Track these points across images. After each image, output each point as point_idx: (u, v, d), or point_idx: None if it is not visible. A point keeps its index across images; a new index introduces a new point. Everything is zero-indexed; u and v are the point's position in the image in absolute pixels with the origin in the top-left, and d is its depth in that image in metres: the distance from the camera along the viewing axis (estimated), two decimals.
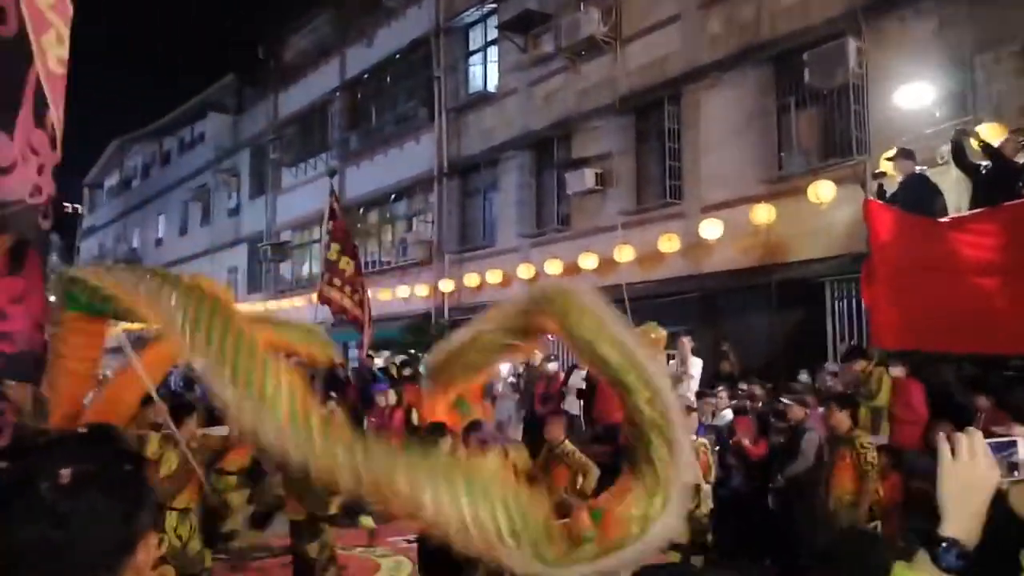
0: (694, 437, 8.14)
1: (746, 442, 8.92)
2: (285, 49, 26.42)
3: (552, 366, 12.25)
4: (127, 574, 1.21)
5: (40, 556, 1.14)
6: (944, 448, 1.49)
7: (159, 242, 34.59)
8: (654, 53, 14.48)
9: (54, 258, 50.61)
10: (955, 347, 8.33)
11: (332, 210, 12.84)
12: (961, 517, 1.44)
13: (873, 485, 6.63)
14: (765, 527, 8.59)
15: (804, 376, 10.33)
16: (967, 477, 1.45)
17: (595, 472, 7.15)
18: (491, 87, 18.41)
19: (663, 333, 9.37)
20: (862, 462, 6.64)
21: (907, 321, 8.11)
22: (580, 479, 7.12)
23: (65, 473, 1.17)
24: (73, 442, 1.36)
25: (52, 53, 3.70)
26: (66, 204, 45.46)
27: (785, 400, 9.11)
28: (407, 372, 14.75)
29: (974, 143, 8.30)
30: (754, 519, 8.75)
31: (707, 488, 8.20)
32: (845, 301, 11.36)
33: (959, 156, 8.38)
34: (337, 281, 12.48)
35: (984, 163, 8.20)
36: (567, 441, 7.50)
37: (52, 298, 4.14)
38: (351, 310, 12.54)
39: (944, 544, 1.43)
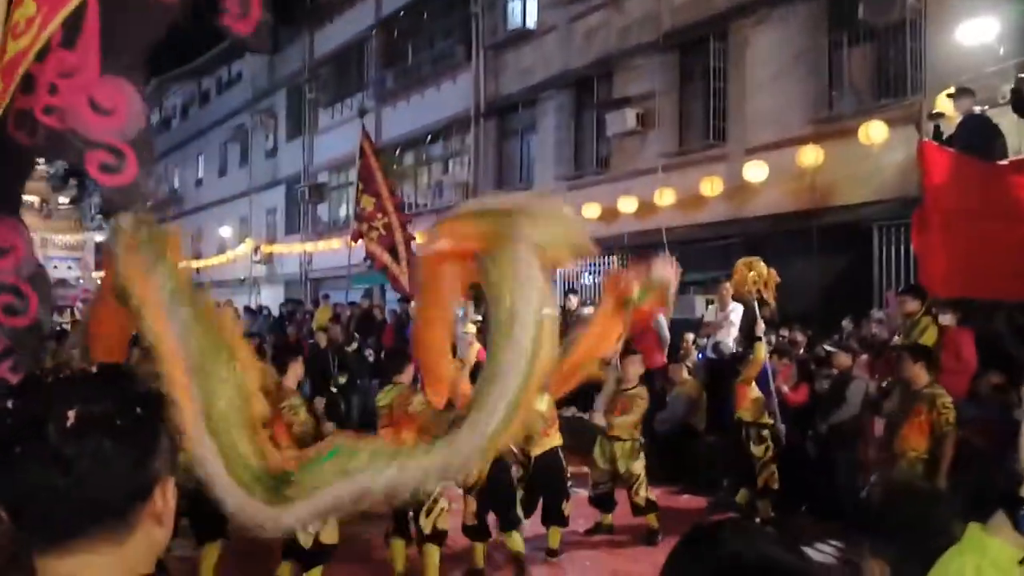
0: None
1: (785, 388, 8.77)
2: None
3: (588, 311, 12.10)
4: (144, 521, 1.18)
5: (46, 501, 1.11)
6: None
7: (199, 183, 34.79)
8: None
9: (97, 198, 51.36)
10: (1008, 295, 8.06)
11: (362, 150, 12.59)
12: None
13: (951, 449, 6.18)
14: (803, 475, 8.47)
15: (847, 324, 10.08)
16: None
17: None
18: (530, 24, 17.96)
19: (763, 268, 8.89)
20: (942, 422, 6.19)
21: (959, 268, 7.83)
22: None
23: (71, 415, 1.13)
24: (82, 382, 1.32)
25: None
26: None
27: (829, 347, 8.92)
28: None
29: None
30: (791, 466, 8.62)
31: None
32: (894, 247, 11.03)
33: (1020, 103, 7.97)
34: (365, 226, 12.29)
35: None
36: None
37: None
38: (379, 256, 12.28)
39: None
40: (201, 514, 5.51)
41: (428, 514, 6.06)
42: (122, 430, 1.15)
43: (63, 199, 32.34)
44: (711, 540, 1.15)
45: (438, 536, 6.11)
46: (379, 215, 12.20)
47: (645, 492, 7.57)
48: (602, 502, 7.80)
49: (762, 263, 8.99)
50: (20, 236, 4.14)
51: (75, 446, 1.12)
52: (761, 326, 8.63)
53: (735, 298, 10.19)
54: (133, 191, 3.87)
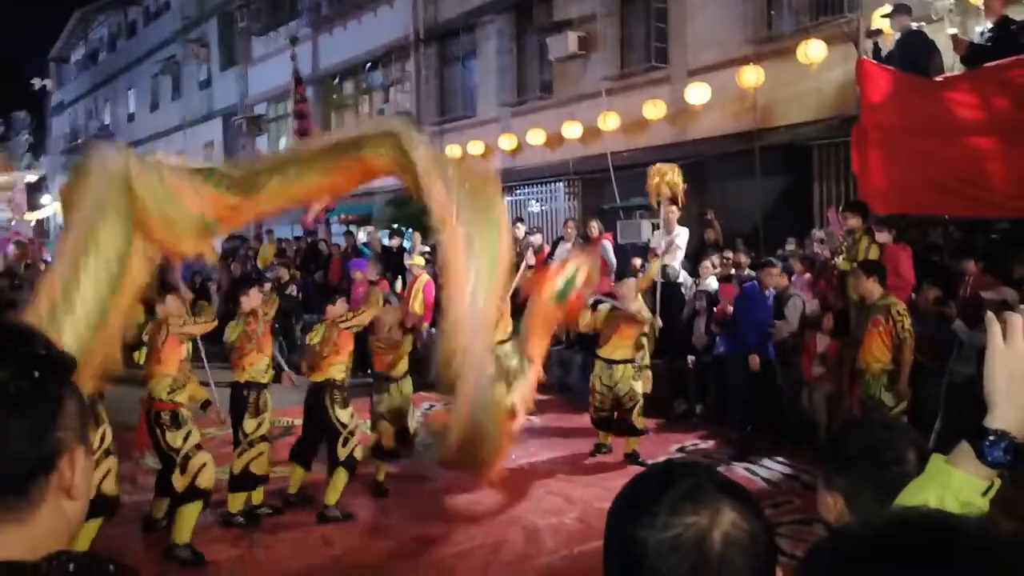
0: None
1: (729, 309, 8.91)
2: None
3: (536, 239, 12.11)
4: (51, 495, 1.07)
5: None
6: (995, 330, 1.30)
7: (131, 117, 33.64)
8: None
9: (26, 136, 49.34)
10: (945, 210, 8.27)
11: (297, 79, 12.28)
12: (1012, 408, 1.29)
13: (910, 354, 6.34)
14: (749, 393, 8.67)
15: (791, 244, 10.25)
16: (1021, 364, 1.28)
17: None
18: None
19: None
20: (899, 330, 6.32)
21: (897, 185, 7.98)
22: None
23: None
24: None
25: None
26: (33, 80, 43.95)
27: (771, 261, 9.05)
28: (393, 244, 14.63)
29: None
30: (738, 386, 8.83)
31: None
32: (833, 166, 11.17)
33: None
34: None
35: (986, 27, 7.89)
36: None
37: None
38: None
39: (991, 437, 1.28)
40: None
41: (345, 444, 6.42)
42: (16, 397, 1.04)
43: None
44: (661, 490, 1.14)
45: (351, 464, 6.46)
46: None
47: (638, 418, 7.74)
48: (604, 424, 7.99)
49: (676, 171, 9.19)
50: None
51: None
52: (676, 253, 8.94)
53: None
54: None
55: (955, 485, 1.29)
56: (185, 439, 5.81)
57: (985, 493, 1.29)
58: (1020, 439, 1.28)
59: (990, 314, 1.32)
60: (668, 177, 9.18)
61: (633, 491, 1.18)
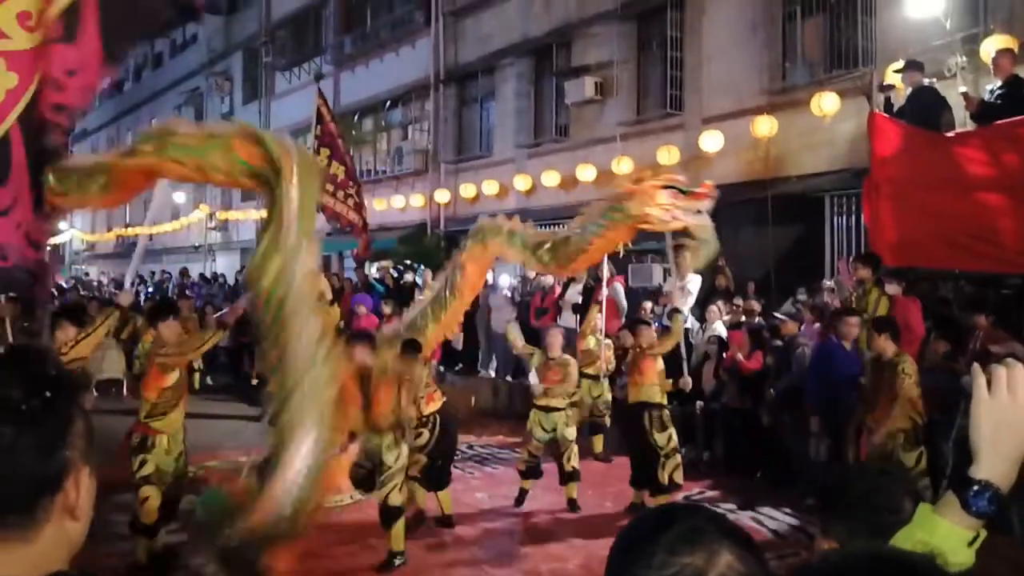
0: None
1: (740, 356, 8.94)
2: None
3: (548, 279, 12.19)
4: (55, 514, 1.08)
5: None
6: (980, 382, 1.32)
7: None
8: None
9: None
10: (955, 265, 8.29)
11: (320, 115, 12.49)
12: (996, 459, 1.30)
13: (909, 408, 6.33)
14: (757, 442, 8.67)
15: (803, 295, 10.23)
16: (1006, 415, 1.30)
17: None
18: None
19: None
20: (898, 384, 6.29)
21: (907, 238, 8.03)
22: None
23: None
24: None
25: None
26: None
27: (779, 316, 9.10)
28: (404, 280, 14.74)
29: None
30: (746, 434, 8.84)
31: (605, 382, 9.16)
32: (845, 217, 11.24)
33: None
34: (329, 187, 12.19)
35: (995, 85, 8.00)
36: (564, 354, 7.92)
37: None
38: (344, 215, 12.28)
39: (976, 487, 1.29)
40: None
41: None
42: (28, 416, 1.05)
43: None
44: (658, 531, 1.15)
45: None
46: (351, 182, 12.28)
47: (575, 460, 7.70)
48: (532, 472, 7.83)
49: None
50: (47, 233, 4.19)
51: None
52: (687, 298, 8.78)
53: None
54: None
55: (941, 534, 1.29)
56: (139, 466, 5.77)
57: (971, 543, 1.29)
58: (1003, 489, 1.30)
59: (976, 366, 1.35)
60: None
61: (633, 531, 1.19)
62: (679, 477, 7.27)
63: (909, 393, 6.34)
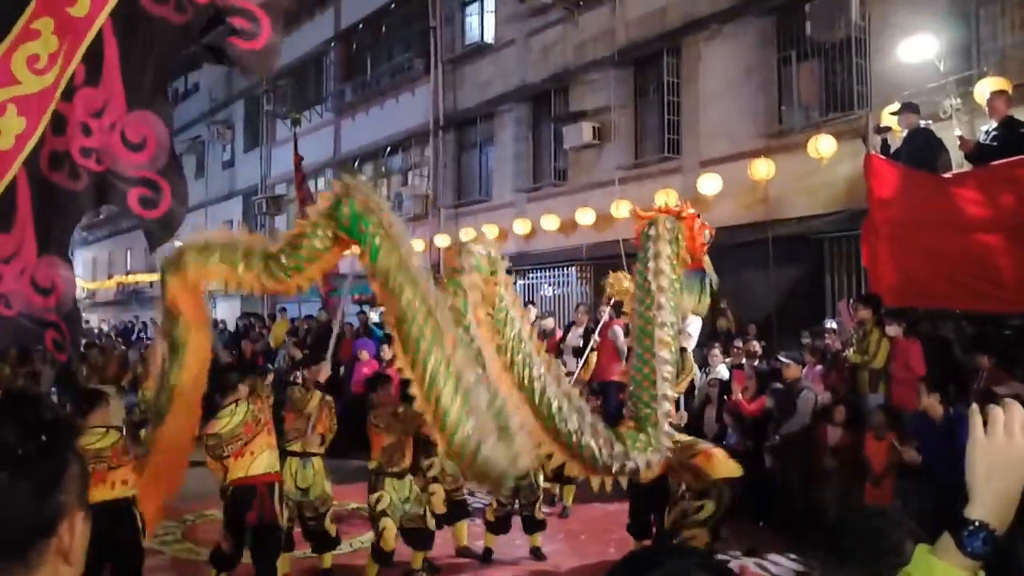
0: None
1: (742, 399, 8.89)
2: None
3: (548, 322, 12.18)
4: (49, 559, 1.07)
5: None
6: (976, 421, 1.32)
7: None
8: (653, 3, 14.15)
9: None
10: (955, 305, 8.28)
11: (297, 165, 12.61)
12: (991, 499, 1.30)
13: None
14: (760, 486, 8.58)
15: (806, 338, 10.17)
16: (1002, 455, 1.29)
17: None
18: (488, 38, 18.03)
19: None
20: None
21: (907, 278, 8.03)
22: None
23: None
24: None
25: None
26: None
27: (781, 359, 9.08)
28: None
29: None
30: (749, 478, 8.73)
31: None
32: (844, 259, 11.25)
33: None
34: None
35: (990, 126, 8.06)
36: None
37: None
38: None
39: (971, 528, 1.29)
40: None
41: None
42: (23, 459, 1.05)
43: None
44: (646, 569, 1.16)
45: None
46: None
47: (540, 508, 7.54)
48: (501, 525, 7.54)
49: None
50: (60, 276, 4.13)
51: None
52: (689, 341, 8.56)
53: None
54: (169, 220, 3.96)
55: None
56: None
57: None
58: (999, 530, 1.29)
59: (974, 405, 1.34)
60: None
61: (621, 570, 1.19)
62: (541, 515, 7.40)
63: None
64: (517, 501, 7.36)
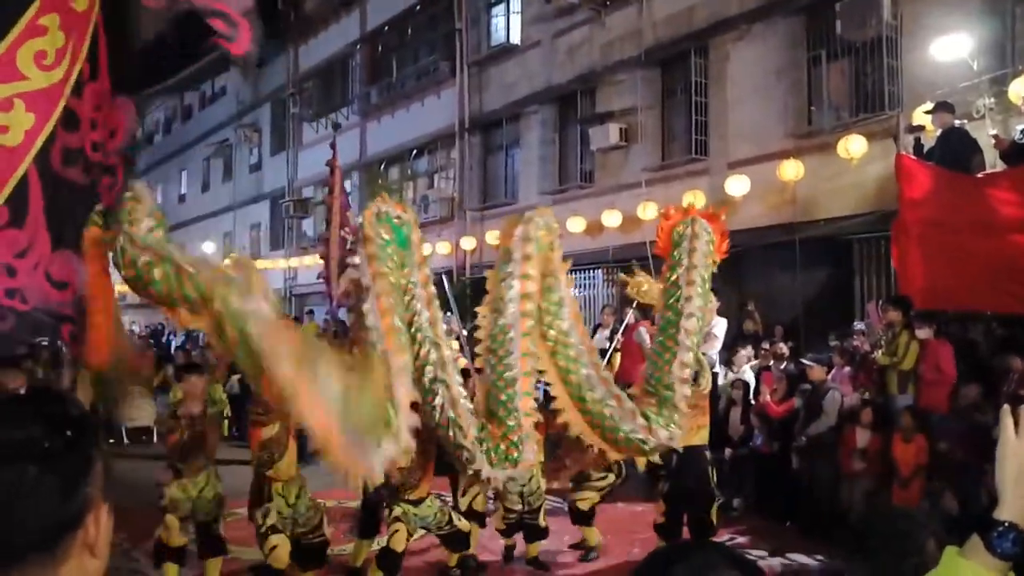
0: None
1: (770, 400, 8.82)
2: (304, 0, 26.11)
3: None
4: (75, 552, 1.09)
5: None
6: (1007, 423, 1.31)
7: (182, 198, 34.63)
8: (681, 3, 14.09)
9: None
10: (987, 307, 8.18)
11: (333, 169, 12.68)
12: (1020, 499, 1.29)
13: None
14: (787, 487, 8.52)
15: (834, 340, 10.06)
16: None
17: None
18: (514, 39, 18.03)
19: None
20: None
21: (937, 280, 7.93)
22: None
23: None
24: (6, 405, 1.24)
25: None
26: None
27: (805, 361, 8.99)
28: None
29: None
30: (776, 479, 8.68)
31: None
32: (874, 260, 11.13)
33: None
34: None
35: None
36: None
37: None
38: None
39: (1000, 529, 1.28)
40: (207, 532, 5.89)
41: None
42: (50, 455, 1.07)
43: None
44: (672, 563, 1.15)
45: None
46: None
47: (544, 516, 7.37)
48: (510, 533, 7.42)
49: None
50: (75, 270, 4.17)
51: None
52: (714, 343, 8.39)
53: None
54: None
55: None
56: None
57: None
58: None
59: (1005, 407, 1.34)
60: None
61: (647, 564, 1.20)
62: (715, 518, 7.05)
63: None
64: (524, 505, 7.26)
